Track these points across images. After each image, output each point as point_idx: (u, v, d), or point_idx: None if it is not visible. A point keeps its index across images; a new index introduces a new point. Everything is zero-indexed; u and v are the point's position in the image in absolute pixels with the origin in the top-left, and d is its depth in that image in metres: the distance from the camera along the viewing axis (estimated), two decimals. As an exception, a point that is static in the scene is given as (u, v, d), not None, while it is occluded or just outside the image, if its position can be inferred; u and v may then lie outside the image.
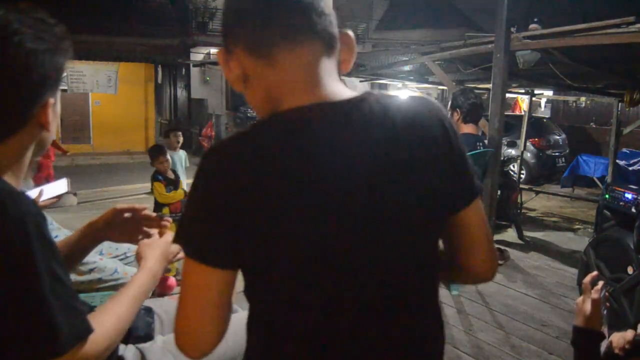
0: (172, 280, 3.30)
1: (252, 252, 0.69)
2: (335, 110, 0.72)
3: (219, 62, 0.81)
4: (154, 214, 1.26)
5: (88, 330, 0.84)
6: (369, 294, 0.73)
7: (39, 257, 0.77)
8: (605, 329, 1.10)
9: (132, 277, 1.07)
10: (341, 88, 0.76)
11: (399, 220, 0.72)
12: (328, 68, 0.76)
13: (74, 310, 0.82)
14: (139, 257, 1.12)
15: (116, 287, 2.23)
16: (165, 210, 3.83)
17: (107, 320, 0.91)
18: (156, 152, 4.03)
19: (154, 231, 1.23)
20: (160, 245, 1.15)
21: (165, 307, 1.35)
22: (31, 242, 0.77)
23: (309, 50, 0.74)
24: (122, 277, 2.30)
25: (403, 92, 8.06)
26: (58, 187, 2.10)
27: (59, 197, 2.13)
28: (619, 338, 1.11)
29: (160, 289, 3.10)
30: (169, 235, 1.17)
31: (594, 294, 1.08)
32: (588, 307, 1.08)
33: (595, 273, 1.15)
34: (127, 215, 1.23)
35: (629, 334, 1.11)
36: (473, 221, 0.81)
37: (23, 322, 0.76)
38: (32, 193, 2.06)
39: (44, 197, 2.06)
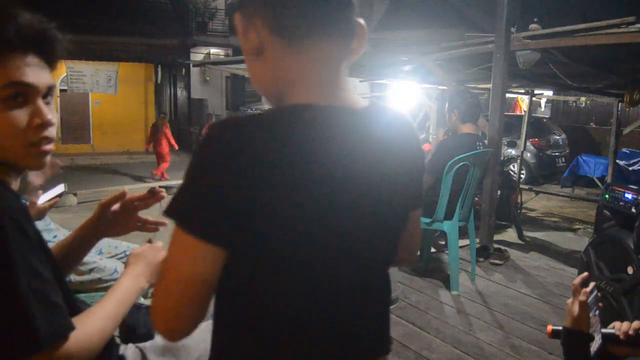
0: None
1: (252, 229, 0.69)
2: (348, 117, 0.77)
3: (236, 25, 0.80)
4: (143, 192, 1.23)
5: (69, 327, 0.84)
6: (349, 274, 0.80)
7: (16, 252, 0.77)
8: (598, 329, 1.10)
9: (116, 282, 1.07)
10: (352, 92, 0.81)
11: (383, 213, 0.83)
12: (346, 64, 0.80)
13: (54, 307, 0.82)
14: (127, 263, 1.12)
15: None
16: None
17: (91, 321, 0.91)
18: None
19: (151, 221, 1.22)
20: (150, 251, 1.14)
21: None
22: (7, 238, 0.77)
23: (336, 45, 0.77)
24: None
25: (403, 91, 8.06)
26: (56, 190, 2.12)
27: (59, 196, 2.15)
28: (626, 324, 1.10)
29: None
30: (160, 242, 1.17)
31: (582, 296, 1.08)
32: (576, 308, 1.09)
33: (585, 274, 1.15)
34: (115, 207, 1.21)
35: (637, 323, 1.10)
36: (416, 221, 0.99)
37: (1, 322, 0.76)
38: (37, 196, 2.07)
39: (42, 200, 2.06)
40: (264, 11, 0.75)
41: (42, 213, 2.10)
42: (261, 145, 0.68)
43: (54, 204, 2.13)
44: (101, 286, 2.29)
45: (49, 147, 0.92)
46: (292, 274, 0.74)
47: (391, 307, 0.93)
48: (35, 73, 0.88)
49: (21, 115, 0.87)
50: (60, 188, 2.18)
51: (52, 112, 0.92)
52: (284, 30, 0.75)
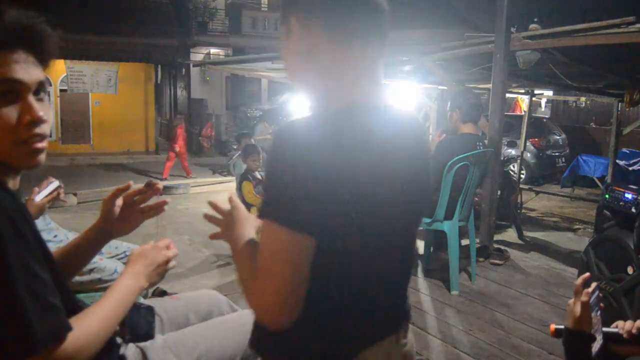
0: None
1: (333, 221, 0.78)
2: (390, 115, 0.90)
3: (286, 26, 0.88)
4: (141, 186, 1.23)
5: (66, 328, 0.83)
6: (393, 255, 0.92)
7: (12, 253, 0.77)
8: (600, 329, 1.09)
9: (116, 280, 1.06)
10: (385, 90, 0.93)
11: (414, 204, 0.95)
12: (381, 63, 0.91)
13: (50, 308, 0.81)
14: (127, 262, 1.11)
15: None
16: (253, 210, 3.66)
17: (88, 321, 0.90)
18: (250, 150, 4.04)
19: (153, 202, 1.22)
20: (151, 251, 1.13)
21: (165, 307, 1.35)
22: (3, 239, 0.76)
23: (376, 47, 0.88)
24: None
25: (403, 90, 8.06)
26: (52, 186, 2.13)
27: (56, 190, 2.15)
28: (629, 323, 1.10)
29: None
30: (161, 242, 1.16)
31: (584, 297, 1.08)
32: (578, 309, 1.08)
33: (587, 275, 1.15)
34: (118, 202, 1.21)
35: (638, 322, 1.10)
36: None
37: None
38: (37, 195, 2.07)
39: (39, 197, 2.06)
40: (319, 14, 0.83)
41: (41, 210, 2.09)
42: (335, 144, 0.77)
43: (52, 199, 2.14)
44: (101, 286, 2.29)
45: (42, 144, 0.90)
46: (355, 259, 0.84)
47: (411, 341, 0.95)
48: (24, 69, 0.86)
49: (11, 112, 0.85)
50: (54, 184, 2.19)
51: (45, 109, 0.90)
52: (336, 32, 0.84)
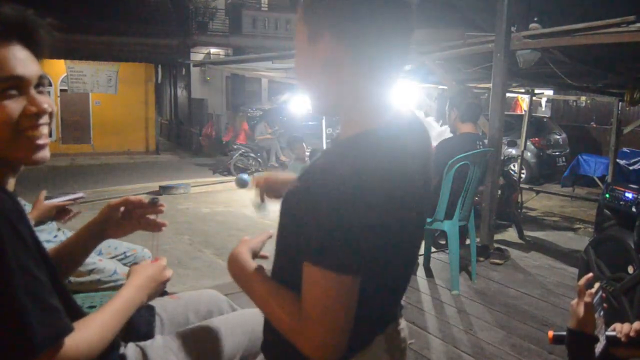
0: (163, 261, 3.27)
1: (375, 253, 0.81)
2: (409, 134, 0.92)
3: (300, 35, 0.88)
4: (147, 200, 1.24)
5: (66, 329, 0.83)
6: (405, 265, 0.98)
7: (10, 254, 0.76)
8: (602, 330, 1.09)
9: (119, 291, 1.06)
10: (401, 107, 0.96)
11: (423, 211, 1.00)
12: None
13: (50, 309, 0.81)
14: (128, 274, 1.12)
15: (116, 288, 2.22)
16: None
17: (90, 326, 0.91)
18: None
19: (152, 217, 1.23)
20: (152, 267, 1.14)
21: (165, 307, 1.35)
22: (1, 241, 0.76)
23: (398, 70, 0.91)
24: (121, 278, 2.30)
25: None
26: (75, 195, 2.13)
27: (75, 200, 2.14)
28: (626, 325, 1.10)
29: None
30: (163, 260, 1.17)
31: (587, 298, 1.08)
32: (581, 310, 1.08)
33: (590, 275, 1.14)
34: (122, 209, 1.22)
35: (637, 324, 1.10)
36: None
37: None
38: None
39: (55, 200, 2.06)
40: (358, 40, 0.83)
41: (47, 213, 2.08)
42: (378, 182, 0.78)
43: (64, 206, 2.12)
44: (101, 287, 2.29)
45: (44, 140, 0.91)
46: (379, 273, 0.87)
47: (405, 327, 1.01)
48: (24, 64, 0.87)
49: (15, 108, 0.86)
50: (79, 194, 2.18)
51: (47, 101, 0.91)
52: (365, 58, 0.85)
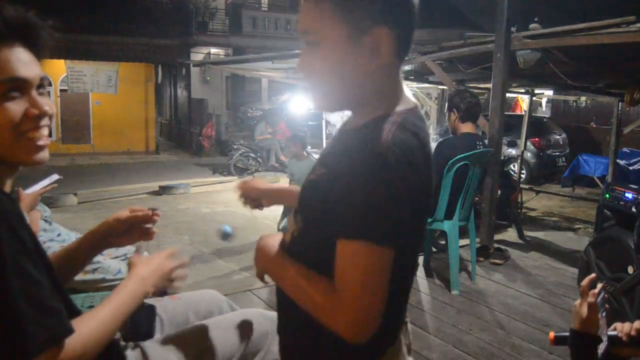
0: None
1: (408, 228, 0.83)
2: (418, 113, 0.94)
3: (334, 36, 0.84)
4: (145, 210, 1.23)
5: (65, 330, 0.82)
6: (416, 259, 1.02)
7: (9, 256, 0.76)
8: (604, 330, 1.09)
9: (121, 283, 1.04)
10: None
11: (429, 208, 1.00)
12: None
13: (49, 311, 0.80)
14: (130, 265, 1.10)
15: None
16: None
17: (89, 326, 0.89)
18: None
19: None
20: (156, 258, 1.12)
21: (165, 307, 1.35)
22: (0, 243, 0.76)
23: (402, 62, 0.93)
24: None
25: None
26: (50, 178, 2.13)
27: (55, 182, 2.15)
28: (627, 325, 1.10)
29: None
30: (168, 251, 1.15)
31: (591, 298, 1.08)
32: (585, 310, 1.07)
33: (593, 275, 1.14)
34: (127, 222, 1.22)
35: (637, 323, 1.10)
36: None
37: None
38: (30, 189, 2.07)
39: (32, 190, 2.06)
40: (398, 29, 0.85)
41: (34, 202, 2.08)
42: (407, 156, 0.80)
43: (46, 192, 2.13)
44: (104, 285, 2.29)
45: (45, 141, 0.91)
46: (407, 261, 0.88)
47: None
48: (26, 66, 0.87)
49: (17, 109, 0.86)
50: (54, 176, 2.17)
51: (48, 103, 0.91)
52: (401, 50, 0.87)
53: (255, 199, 1.35)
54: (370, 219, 0.77)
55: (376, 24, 0.82)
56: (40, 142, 0.90)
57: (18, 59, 0.86)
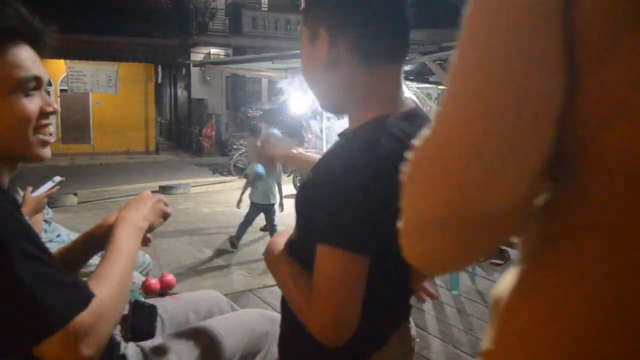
0: (171, 277, 3.28)
1: (383, 235, 0.80)
2: (414, 118, 0.89)
3: (303, 38, 0.89)
4: None
5: (86, 298, 0.81)
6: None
7: (12, 243, 0.77)
8: None
9: (110, 235, 0.98)
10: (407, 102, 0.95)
11: None
12: (402, 79, 0.93)
13: (61, 285, 0.80)
14: (105, 219, 1.10)
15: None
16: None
17: (105, 283, 0.87)
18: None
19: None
20: (142, 197, 1.09)
21: (166, 307, 1.35)
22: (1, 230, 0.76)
23: (400, 66, 0.91)
24: None
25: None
26: (53, 180, 2.14)
27: (59, 184, 2.16)
28: None
29: (162, 288, 3.09)
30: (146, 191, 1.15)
31: None
32: None
33: None
34: None
35: None
36: None
37: (8, 310, 0.76)
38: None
39: (37, 194, 2.07)
40: (351, 33, 0.84)
41: (40, 205, 2.09)
42: (384, 161, 0.77)
43: (51, 194, 2.14)
44: None
45: (52, 138, 0.95)
46: (389, 264, 0.86)
47: (414, 326, 1.05)
48: (37, 65, 0.90)
49: (35, 106, 0.90)
50: (57, 178, 2.18)
51: (53, 101, 0.96)
52: (361, 51, 0.85)
53: (270, 157, 1.37)
54: (340, 225, 0.77)
55: (320, 26, 0.85)
56: (48, 139, 0.93)
57: (31, 59, 0.89)
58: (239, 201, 5.00)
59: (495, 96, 0.39)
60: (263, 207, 4.84)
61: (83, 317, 0.80)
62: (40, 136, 0.91)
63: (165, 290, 3.14)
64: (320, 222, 0.80)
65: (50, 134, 0.94)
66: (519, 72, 0.39)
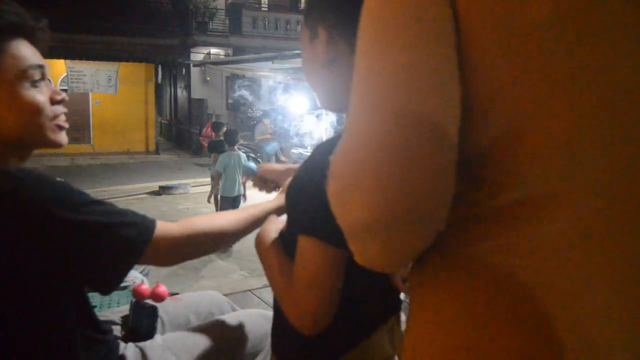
0: (164, 289, 3.27)
1: None
2: None
3: (304, 37, 0.92)
4: None
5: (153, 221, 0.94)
6: None
7: (67, 202, 0.83)
8: None
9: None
10: None
11: None
12: None
13: (130, 215, 0.92)
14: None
15: (124, 288, 2.22)
16: None
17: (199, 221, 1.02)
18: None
19: None
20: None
21: (166, 308, 1.35)
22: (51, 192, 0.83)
23: None
24: (127, 281, 2.29)
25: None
26: None
27: None
28: None
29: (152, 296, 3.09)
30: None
31: None
32: None
33: None
34: None
35: None
36: None
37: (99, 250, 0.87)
38: None
39: None
40: (348, 31, 0.85)
41: None
42: None
43: None
44: None
45: (65, 125, 0.99)
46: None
47: None
48: (38, 56, 0.93)
49: (44, 95, 0.93)
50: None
51: None
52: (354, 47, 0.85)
53: (272, 180, 1.36)
54: (320, 218, 0.79)
55: (319, 25, 0.88)
56: (63, 124, 0.98)
57: (32, 51, 0.92)
58: (210, 196, 5.64)
59: (399, 108, 0.44)
60: (231, 200, 5.23)
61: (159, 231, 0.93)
62: (55, 122, 0.95)
63: (154, 300, 3.12)
64: (302, 214, 0.84)
65: (65, 120, 0.98)
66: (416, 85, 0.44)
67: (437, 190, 0.45)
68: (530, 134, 0.46)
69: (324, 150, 0.85)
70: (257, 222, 1.09)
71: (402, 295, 1.08)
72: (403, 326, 1.04)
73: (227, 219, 1.06)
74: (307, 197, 0.83)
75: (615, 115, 0.46)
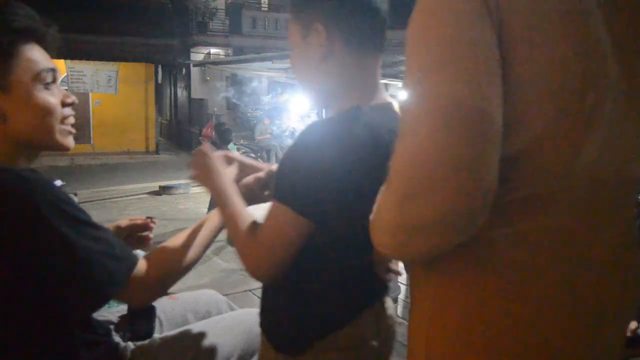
0: None
1: (331, 208, 0.90)
2: (390, 112, 0.98)
3: (294, 34, 0.97)
4: (143, 218, 1.28)
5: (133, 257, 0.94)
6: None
7: (62, 231, 0.82)
8: None
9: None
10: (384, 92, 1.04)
11: None
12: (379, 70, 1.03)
13: (118, 252, 0.90)
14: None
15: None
16: None
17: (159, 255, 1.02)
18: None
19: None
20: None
21: (164, 307, 1.36)
22: (47, 211, 0.82)
23: (379, 56, 1.00)
24: None
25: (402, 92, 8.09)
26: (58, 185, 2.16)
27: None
28: None
29: None
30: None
31: None
32: None
33: None
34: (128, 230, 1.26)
35: (633, 324, 1.11)
36: None
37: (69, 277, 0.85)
38: None
39: None
40: (339, 24, 0.92)
41: None
42: (346, 141, 0.88)
43: None
44: None
45: (73, 129, 1.02)
46: (350, 240, 0.94)
47: (392, 306, 1.07)
48: (49, 60, 0.95)
49: (56, 98, 0.96)
50: (57, 182, 2.19)
51: None
52: (352, 41, 0.94)
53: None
54: (294, 189, 0.89)
55: (316, 21, 0.93)
56: (71, 129, 1.02)
57: (43, 55, 0.94)
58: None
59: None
60: None
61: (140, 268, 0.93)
62: (64, 126, 0.98)
63: None
64: (280, 185, 0.92)
65: (72, 125, 1.02)
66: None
67: (493, 190, 0.51)
68: (546, 146, 0.55)
69: (314, 132, 0.91)
70: (214, 237, 1.13)
71: (402, 279, 1.09)
72: (388, 311, 1.07)
73: (195, 251, 1.06)
74: (290, 170, 0.90)
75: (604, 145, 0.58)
